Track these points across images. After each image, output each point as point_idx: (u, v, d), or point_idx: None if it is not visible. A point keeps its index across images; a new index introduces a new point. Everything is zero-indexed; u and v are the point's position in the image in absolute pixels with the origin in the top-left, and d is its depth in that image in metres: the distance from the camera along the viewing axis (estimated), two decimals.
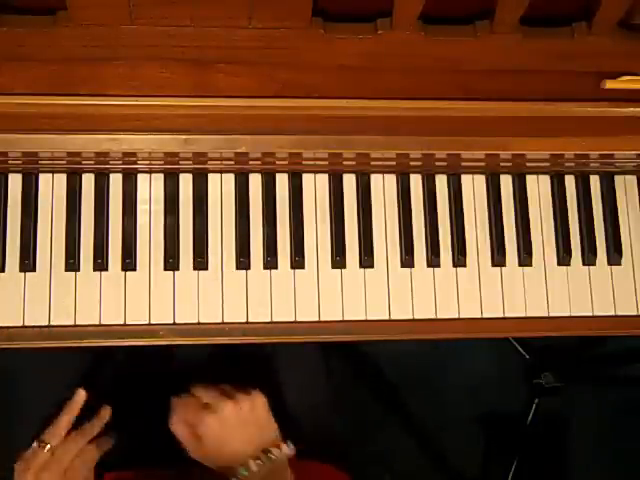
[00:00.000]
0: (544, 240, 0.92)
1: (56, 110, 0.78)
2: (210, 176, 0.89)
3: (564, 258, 0.92)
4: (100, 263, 0.86)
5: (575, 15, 0.79)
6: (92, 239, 0.86)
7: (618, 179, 0.94)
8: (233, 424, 0.82)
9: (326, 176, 0.90)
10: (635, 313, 0.92)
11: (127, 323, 0.85)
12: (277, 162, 0.87)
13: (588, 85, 0.83)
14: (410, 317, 0.89)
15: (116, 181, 0.88)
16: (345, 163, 0.88)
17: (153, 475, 0.94)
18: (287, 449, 0.83)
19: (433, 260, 0.90)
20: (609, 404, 1.52)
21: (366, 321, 0.88)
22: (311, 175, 0.90)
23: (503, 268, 0.91)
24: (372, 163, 0.88)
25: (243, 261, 0.87)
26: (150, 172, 0.88)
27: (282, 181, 0.90)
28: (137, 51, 0.77)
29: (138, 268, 0.86)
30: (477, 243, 0.91)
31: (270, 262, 0.88)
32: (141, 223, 0.87)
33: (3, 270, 0.85)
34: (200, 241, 0.88)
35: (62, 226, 0.86)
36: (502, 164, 0.90)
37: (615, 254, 0.92)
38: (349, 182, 0.91)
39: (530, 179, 0.93)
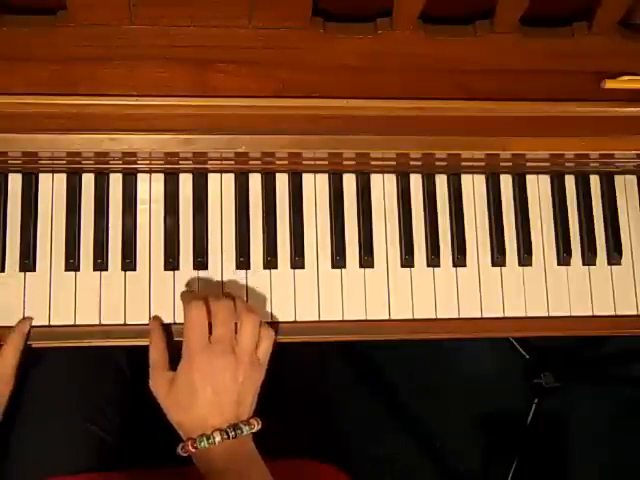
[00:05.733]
0: (544, 240, 0.92)
1: (56, 110, 0.78)
2: (210, 176, 0.89)
3: (564, 258, 0.92)
4: (100, 263, 0.86)
5: (575, 15, 0.79)
6: (92, 239, 0.86)
7: (618, 179, 0.94)
8: (218, 386, 0.76)
9: (326, 176, 0.90)
10: (635, 313, 0.92)
11: (127, 323, 0.85)
12: (277, 162, 0.87)
13: (588, 85, 0.83)
14: (410, 317, 0.89)
15: (116, 181, 0.88)
16: (345, 163, 0.88)
17: (142, 475, 0.93)
18: (257, 426, 0.78)
19: (433, 260, 0.90)
20: (609, 404, 1.52)
21: (366, 321, 0.88)
22: (311, 175, 0.90)
23: (503, 268, 0.91)
24: (372, 163, 0.88)
25: (243, 261, 0.87)
26: (150, 172, 0.88)
27: (282, 181, 0.90)
28: (137, 51, 0.78)
29: (138, 268, 0.86)
30: (477, 243, 0.91)
31: (270, 262, 0.88)
32: (141, 223, 0.87)
33: (3, 270, 0.85)
34: (200, 241, 0.88)
35: (62, 226, 0.86)
36: (502, 164, 0.90)
37: (615, 254, 0.92)
38: (349, 182, 0.91)
39: (530, 179, 0.93)
